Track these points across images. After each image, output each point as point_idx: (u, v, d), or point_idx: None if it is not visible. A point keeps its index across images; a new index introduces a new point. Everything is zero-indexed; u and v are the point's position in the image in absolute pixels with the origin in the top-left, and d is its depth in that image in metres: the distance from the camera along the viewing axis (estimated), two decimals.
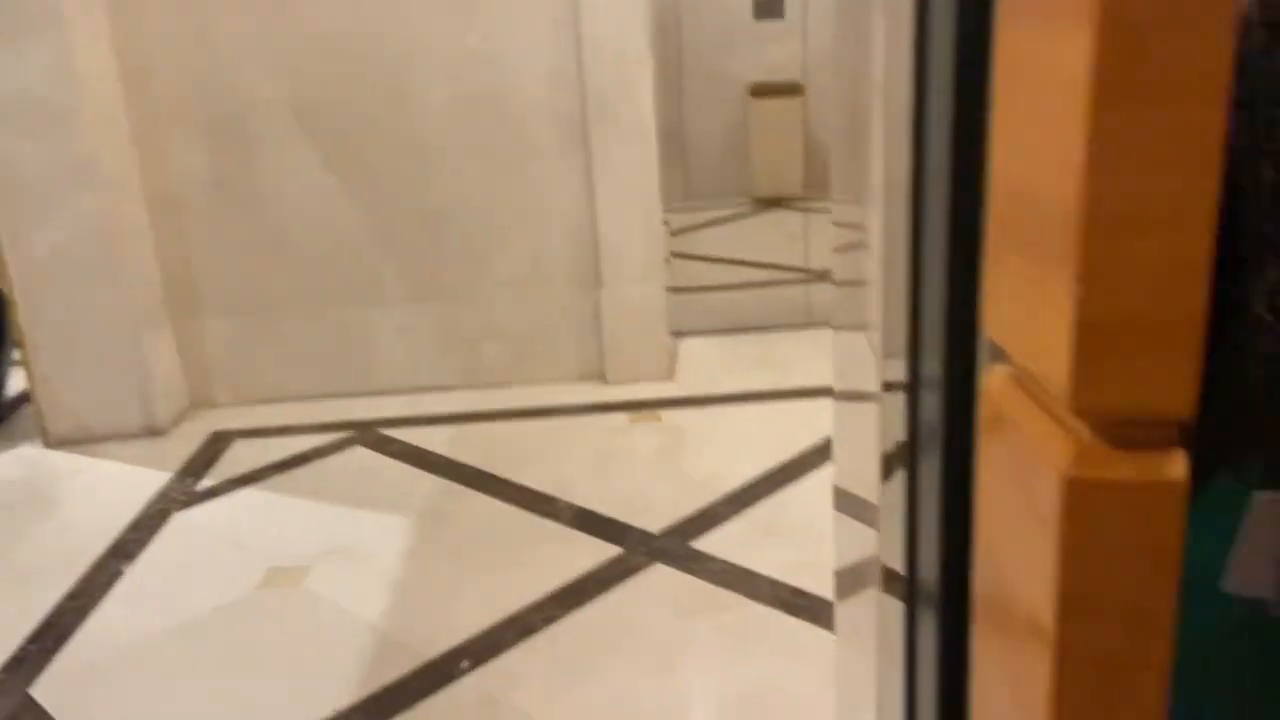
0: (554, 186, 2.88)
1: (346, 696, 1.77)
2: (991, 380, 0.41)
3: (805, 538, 2.19)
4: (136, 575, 2.20)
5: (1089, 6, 0.30)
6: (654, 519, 2.30)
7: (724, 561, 2.14)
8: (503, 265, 2.94)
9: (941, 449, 0.52)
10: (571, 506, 2.36)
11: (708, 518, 2.31)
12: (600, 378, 3.01)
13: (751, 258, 4.10)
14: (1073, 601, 0.36)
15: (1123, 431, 0.35)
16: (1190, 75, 0.30)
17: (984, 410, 0.42)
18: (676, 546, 2.20)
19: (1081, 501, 0.35)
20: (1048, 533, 0.36)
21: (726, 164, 4.92)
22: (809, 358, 3.11)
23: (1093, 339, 0.33)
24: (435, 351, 2.99)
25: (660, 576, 2.11)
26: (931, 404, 0.52)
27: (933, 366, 0.52)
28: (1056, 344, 0.34)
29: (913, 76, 0.51)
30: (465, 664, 1.86)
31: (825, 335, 1.04)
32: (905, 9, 0.51)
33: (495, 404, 2.89)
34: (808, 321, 3.42)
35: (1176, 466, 0.34)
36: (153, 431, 2.84)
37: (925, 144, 0.51)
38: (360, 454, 2.68)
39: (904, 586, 0.62)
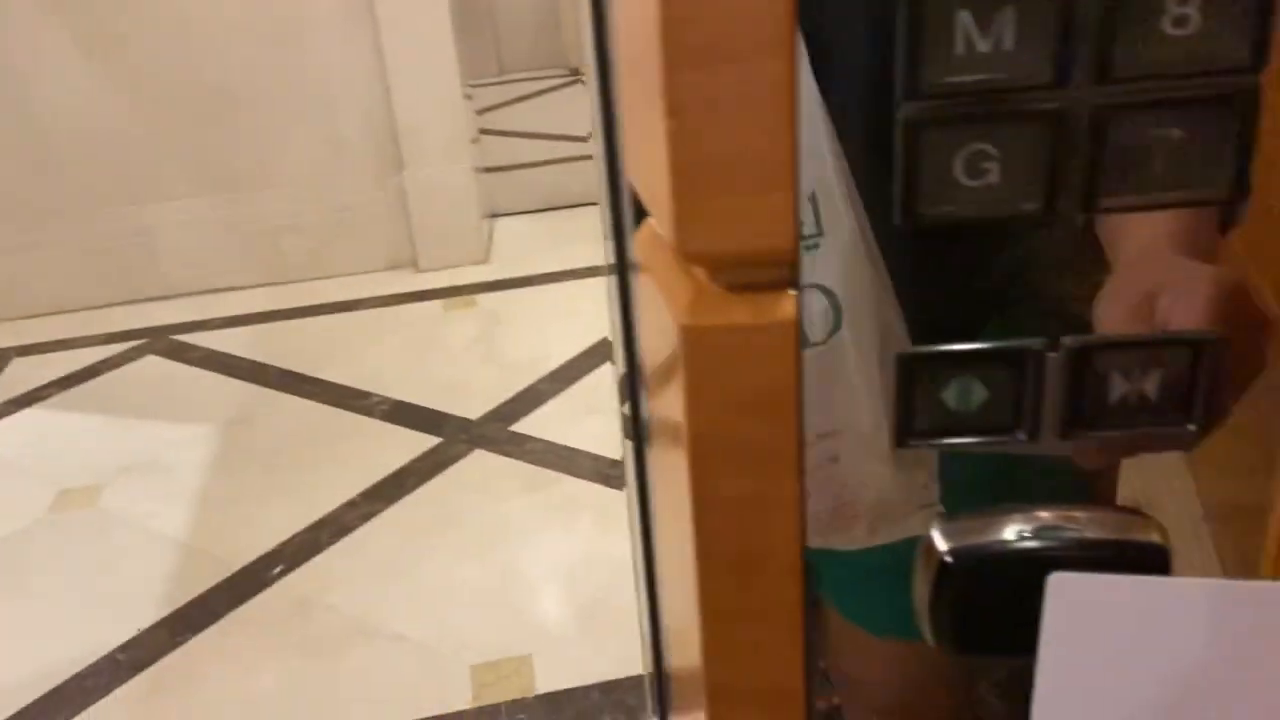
0: (341, 63, 2.68)
1: (149, 615, 1.70)
2: (640, 236, 0.38)
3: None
4: None
5: None
6: (473, 405, 2.26)
7: (545, 441, 2.13)
8: (295, 150, 2.75)
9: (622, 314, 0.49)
10: (386, 400, 2.30)
11: (528, 399, 2.29)
12: (412, 265, 2.90)
13: (569, 131, 4.00)
14: (702, 444, 0.34)
15: (734, 276, 0.32)
16: None
17: (641, 269, 0.39)
18: (497, 431, 2.18)
19: (698, 347, 0.32)
20: (679, 380, 0.33)
21: (539, 34, 4.73)
22: None
23: (687, 179, 0.30)
24: (228, 248, 2.80)
25: (480, 462, 2.09)
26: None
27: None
28: (662, 187, 0.31)
29: None
30: (278, 569, 1.80)
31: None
32: None
33: (299, 300, 2.75)
34: None
35: (787, 306, 0.32)
36: None
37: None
38: (153, 363, 2.52)
39: (628, 426, 0.60)
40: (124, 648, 1.63)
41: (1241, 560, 0.37)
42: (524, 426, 2.19)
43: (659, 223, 0.33)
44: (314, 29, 2.65)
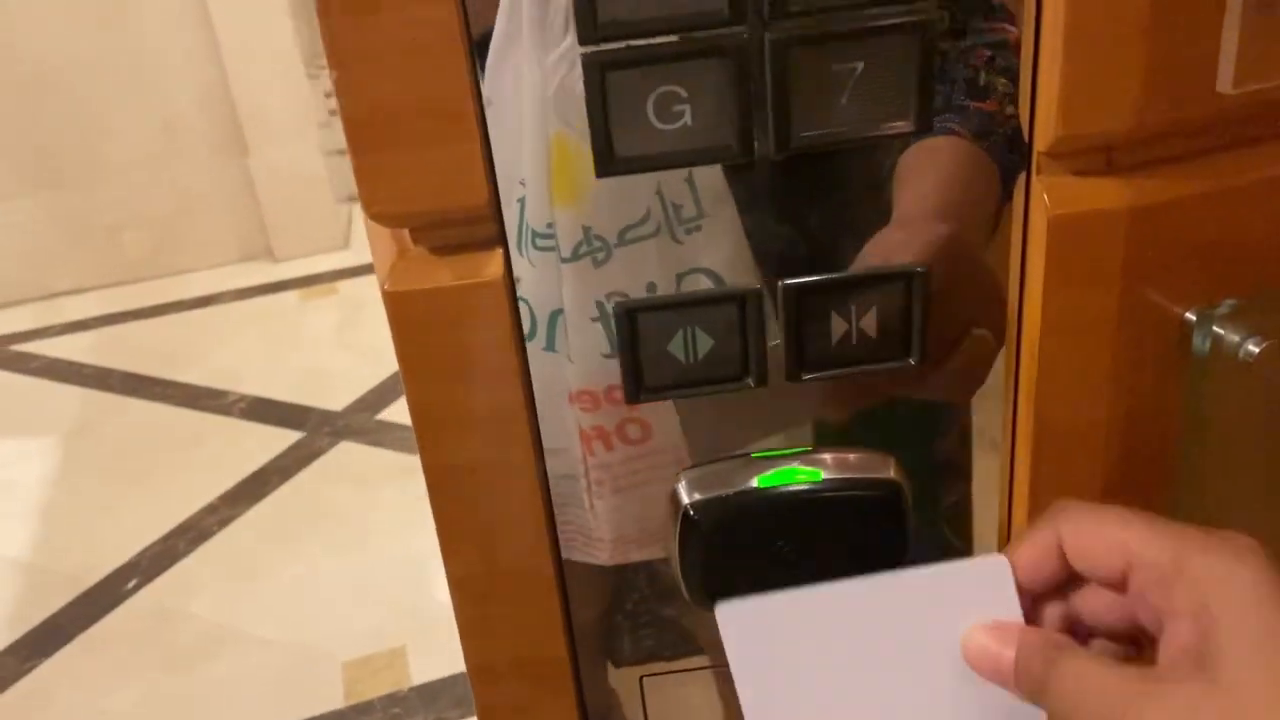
0: (170, 41, 2.54)
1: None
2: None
3: None
4: None
5: None
6: (336, 397, 2.20)
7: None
8: (126, 137, 2.60)
9: None
10: (244, 398, 2.21)
11: (394, 386, 2.23)
12: (267, 255, 2.79)
13: None
14: (424, 414, 0.32)
15: (435, 236, 0.31)
16: None
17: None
18: (363, 422, 2.12)
19: (405, 314, 0.31)
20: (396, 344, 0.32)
21: None
22: None
23: (363, 133, 0.28)
24: (62, 248, 2.64)
25: (346, 454, 2.03)
26: None
27: None
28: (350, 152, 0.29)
29: None
30: (133, 582, 1.72)
31: None
32: None
33: (145, 300, 2.62)
34: None
35: (493, 265, 0.30)
36: None
37: None
38: None
39: None
40: None
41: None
42: (391, 414, 2.14)
43: (361, 196, 0.31)
44: (139, 6, 2.50)
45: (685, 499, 0.35)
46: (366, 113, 0.28)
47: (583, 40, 0.29)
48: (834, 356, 0.34)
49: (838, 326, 0.33)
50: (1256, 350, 0.31)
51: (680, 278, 0.34)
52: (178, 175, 2.67)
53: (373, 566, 1.72)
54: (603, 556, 0.44)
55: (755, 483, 0.35)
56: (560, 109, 0.31)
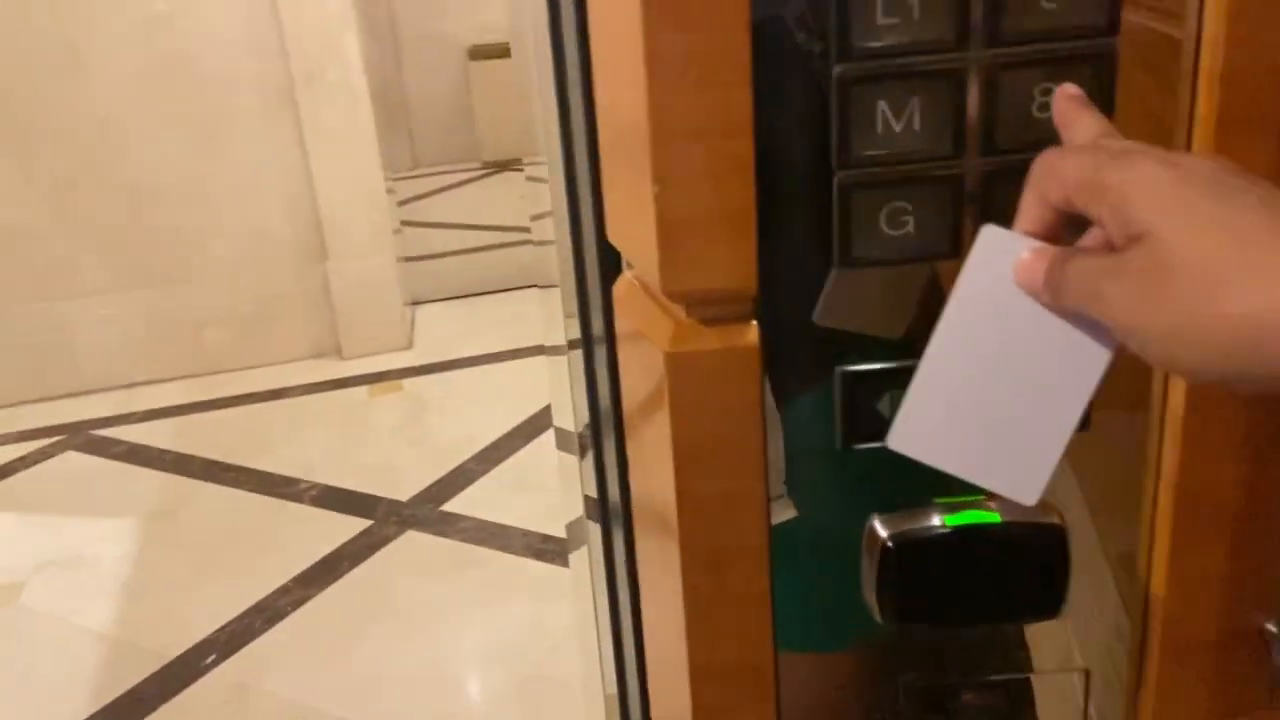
0: (265, 158, 2.73)
1: (81, 710, 1.65)
2: (619, 288, 0.46)
3: (555, 486, 2.25)
4: None
5: None
6: (403, 488, 2.28)
7: (476, 519, 2.15)
8: (218, 243, 2.77)
9: (610, 383, 0.55)
10: (315, 486, 2.29)
11: (457, 480, 2.31)
12: (336, 353, 2.92)
13: (483, 221, 4.09)
14: (684, 450, 0.41)
15: (708, 311, 0.40)
16: (720, 6, 0.34)
17: (619, 316, 0.46)
18: (427, 512, 2.20)
19: (680, 371, 0.40)
20: (663, 402, 0.41)
21: (452, 129, 4.84)
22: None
23: (671, 232, 0.38)
24: (149, 341, 2.78)
25: (412, 543, 2.10)
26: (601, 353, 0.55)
27: (598, 314, 0.55)
28: (649, 241, 0.39)
29: (551, 40, 0.54)
30: (211, 658, 1.78)
31: (552, 293, 1.08)
32: None
33: (222, 391, 2.74)
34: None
35: (749, 335, 0.39)
36: None
37: (566, 97, 0.54)
38: (72, 459, 2.47)
39: (597, 509, 0.66)
40: None
41: (1126, 552, 0.45)
42: (454, 506, 2.21)
43: (645, 271, 0.40)
44: (237, 125, 2.70)
45: (883, 533, 0.43)
46: (678, 218, 0.38)
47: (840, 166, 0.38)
48: None
49: None
50: None
51: None
52: (261, 278, 2.83)
53: (440, 652, 1.77)
54: None
55: (939, 523, 0.43)
56: None
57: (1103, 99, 0.38)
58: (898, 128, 0.38)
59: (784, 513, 0.43)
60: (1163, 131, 0.39)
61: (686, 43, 0.35)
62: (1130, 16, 0.38)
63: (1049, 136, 0.38)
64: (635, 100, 0.38)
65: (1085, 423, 0.37)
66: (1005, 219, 0.39)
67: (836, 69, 0.37)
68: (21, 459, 2.47)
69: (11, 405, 2.70)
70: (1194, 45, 0.37)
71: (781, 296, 0.41)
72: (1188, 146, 0.39)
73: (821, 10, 0.38)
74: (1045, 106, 0.38)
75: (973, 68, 0.38)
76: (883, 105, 0.38)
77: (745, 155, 0.38)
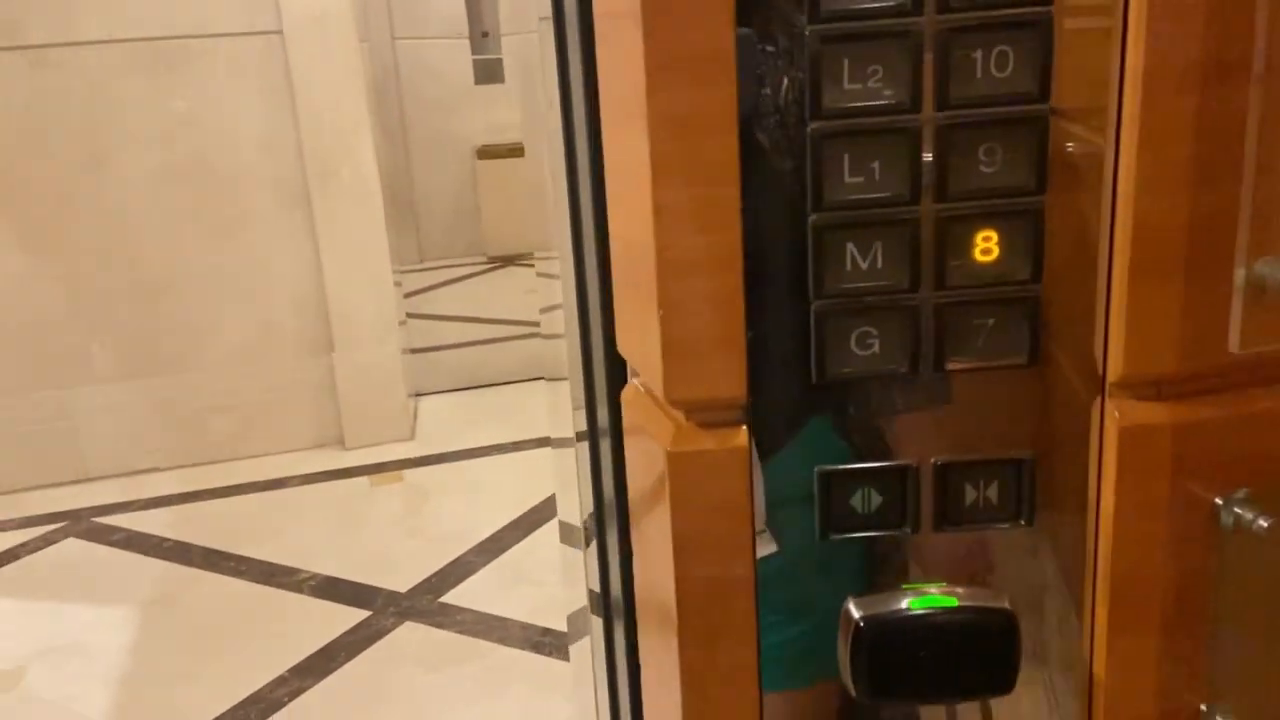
0: (277, 252, 2.83)
1: None
2: (626, 394, 0.52)
3: (554, 579, 2.28)
4: None
5: (646, 114, 0.42)
6: (402, 578, 2.31)
7: (474, 611, 2.17)
8: (226, 334, 2.85)
9: (614, 478, 0.61)
10: (314, 576, 2.32)
11: (456, 571, 2.34)
12: (339, 443, 2.97)
13: (486, 314, 4.18)
14: (683, 539, 0.47)
15: (704, 416, 0.46)
16: (714, 164, 0.42)
17: (625, 418, 0.53)
18: (426, 603, 2.22)
19: (680, 468, 0.46)
20: (664, 495, 0.47)
21: (458, 225, 4.99)
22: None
23: (673, 350, 0.45)
24: (153, 429, 2.84)
25: (411, 634, 2.12)
26: (606, 446, 0.61)
27: (604, 407, 0.62)
28: (654, 356, 0.45)
29: (564, 151, 0.62)
30: None
31: (561, 386, 1.15)
32: (554, 99, 0.62)
33: (224, 479, 2.78)
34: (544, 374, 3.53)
35: (740, 438, 0.46)
36: None
37: (579, 208, 0.62)
38: (73, 546, 2.50)
39: (600, 600, 0.72)
40: None
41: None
42: (453, 598, 2.24)
43: (651, 381, 0.47)
44: (252, 221, 2.81)
45: (856, 614, 0.49)
46: (680, 338, 0.44)
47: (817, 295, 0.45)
48: (966, 516, 0.48)
49: (970, 493, 0.48)
50: (1266, 525, 0.45)
51: None
52: (268, 369, 2.90)
53: None
54: None
55: (907, 606, 0.49)
56: None
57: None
58: (864, 265, 0.45)
59: (766, 547, 0.49)
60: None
61: (688, 196, 0.42)
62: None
63: (989, 274, 0.45)
64: (644, 239, 0.45)
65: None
66: (958, 342, 0.46)
67: (811, 218, 0.44)
68: (24, 545, 2.49)
69: (15, 491, 2.74)
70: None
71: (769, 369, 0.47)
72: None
73: (801, 168, 0.45)
74: (987, 251, 0.45)
75: (926, 217, 0.45)
76: (850, 246, 0.45)
77: (736, 286, 0.44)
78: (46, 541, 2.51)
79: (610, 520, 0.64)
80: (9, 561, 2.42)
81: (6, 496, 2.71)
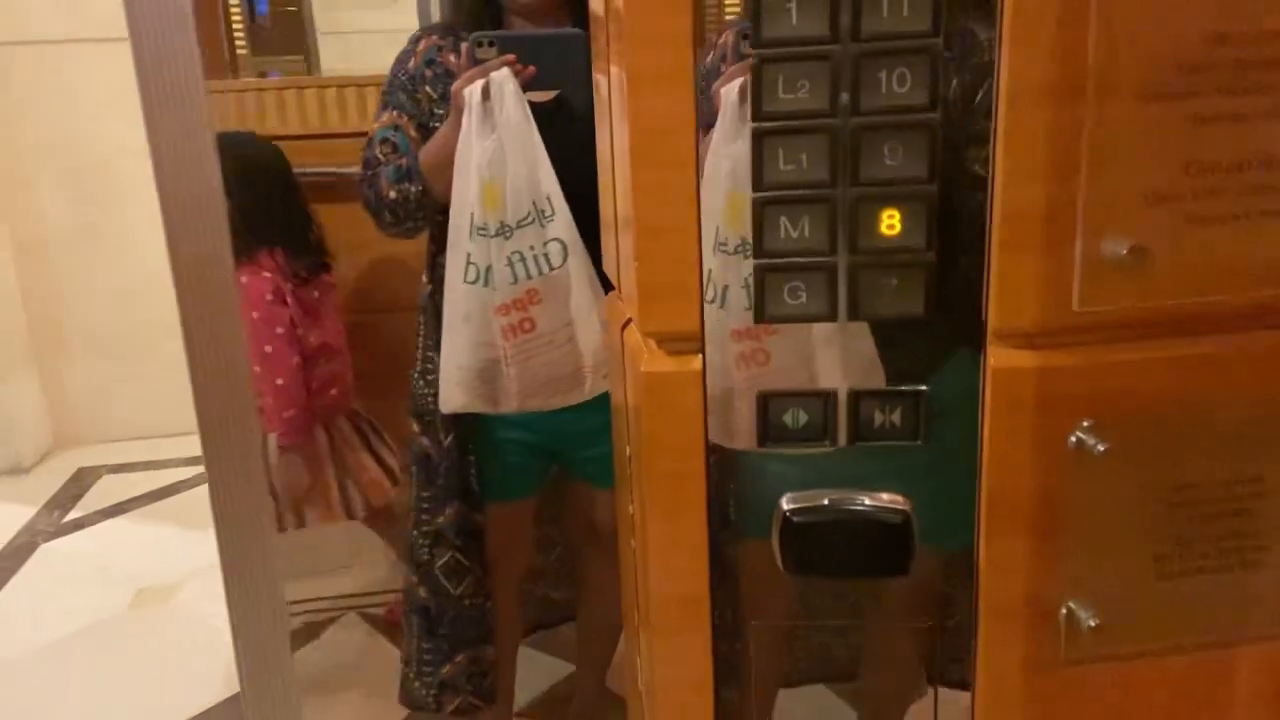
0: None
1: (216, 695, 1.92)
2: (613, 313, 0.68)
3: None
4: (3, 602, 2.28)
5: (629, 117, 0.57)
6: None
7: None
8: None
9: None
10: None
11: None
12: None
13: None
14: (650, 443, 0.62)
15: (669, 345, 0.62)
16: (677, 154, 0.57)
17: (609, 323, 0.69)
18: None
19: (649, 386, 0.61)
20: (640, 406, 0.62)
21: None
22: None
23: (647, 294, 0.60)
24: None
25: None
26: None
27: None
28: (634, 297, 0.61)
29: None
30: None
31: None
32: None
33: None
34: None
35: (695, 363, 0.61)
36: (17, 470, 2.90)
37: None
38: None
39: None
40: None
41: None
42: None
43: (635, 316, 0.62)
44: None
45: (787, 508, 0.63)
46: (650, 284, 0.59)
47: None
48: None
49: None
50: (1103, 449, 0.57)
51: None
52: None
53: None
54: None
55: (828, 503, 0.63)
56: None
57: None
58: (794, 234, 0.59)
59: None
60: None
61: (661, 177, 0.58)
62: None
63: (893, 244, 0.59)
64: (627, 209, 0.60)
65: None
66: (868, 296, 0.60)
67: (753, 196, 0.59)
68: (183, 481, 2.83)
69: (181, 434, 3.09)
70: None
71: None
72: None
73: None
74: (891, 226, 0.58)
75: (842, 198, 0.58)
76: (783, 219, 0.59)
77: (694, 245, 0.60)
78: (202, 480, 2.84)
79: None
80: (169, 495, 2.76)
81: (171, 439, 3.06)
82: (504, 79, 1.33)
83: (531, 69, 1.35)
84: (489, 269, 1.35)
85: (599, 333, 1.35)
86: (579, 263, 1.35)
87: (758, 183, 0.59)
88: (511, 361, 1.36)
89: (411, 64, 1.53)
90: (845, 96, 0.58)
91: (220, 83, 2.43)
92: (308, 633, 2.32)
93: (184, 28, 0.81)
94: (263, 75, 3.49)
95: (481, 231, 1.35)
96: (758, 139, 0.59)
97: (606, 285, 1.28)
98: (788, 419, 0.62)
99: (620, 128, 0.60)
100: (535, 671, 2.15)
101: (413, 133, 1.49)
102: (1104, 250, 0.55)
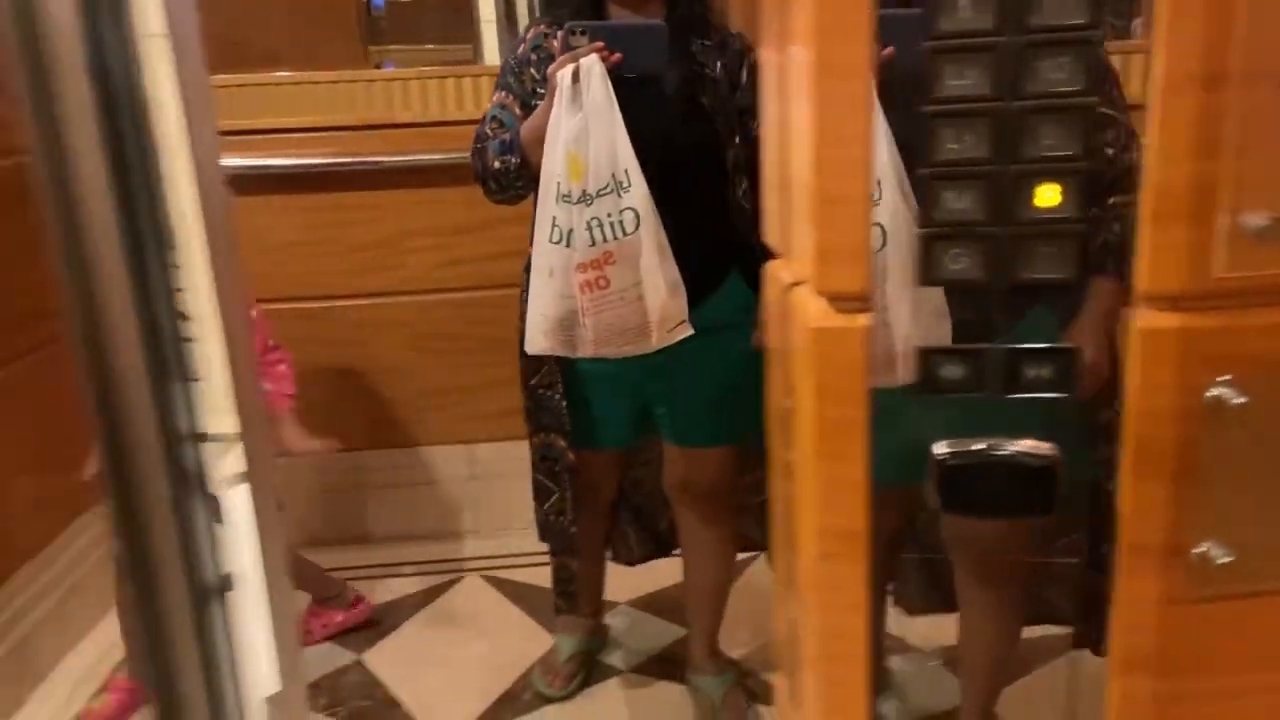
0: None
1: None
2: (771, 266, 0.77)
3: None
4: None
5: (814, 99, 0.65)
6: None
7: None
8: None
9: None
10: None
11: None
12: None
13: None
14: (820, 392, 0.70)
15: (840, 304, 0.70)
16: (853, 133, 0.65)
17: (769, 299, 0.77)
18: None
19: (822, 340, 0.70)
20: (809, 359, 0.71)
21: None
22: None
23: (823, 258, 0.68)
24: None
25: None
26: None
27: None
28: (810, 260, 0.69)
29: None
30: None
31: None
32: None
33: None
34: None
35: (863, 320, 0.69)
36: None
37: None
38: None
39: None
40: None
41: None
42: None
43: (809, 279, 0.70)
44: None
45: (941, 453, 0.71)
46: (826, 248, 0.68)
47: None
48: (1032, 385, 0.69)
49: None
50: (1240, 402, 0.63)
51: None
52: None
53: None
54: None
55: (984, 447, 0.70)
56: None
57: None
58: (959, 206, 0.67)
59: None
60: None
61: (841, 153, 0.66)
62: None
63: (1050, 215, 0.66)
64: (808, 181, 0.69)
65: None
66: (1024, 262, 0.67)
67: (921, 172, 0.67)
68: None
69: None
70: None
71: None
72: None
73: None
74: (1049, 198, 0.65)
75: (1005, 174, 0.66)
76: (949, 193, 0.66)
77: (867, 214, 0.68)
78: None
79: None
80: None
81: None
82: (592, 64, 1.51)
83: (618, 55, 1.52)
84: (571, 231, 1.54)
85: (664, 292, 1.55)
86: (650, 230, 1.53)
87: (927, 160, 0.67)
88: (587, 313, 1.55)
89: (520, 50, 1.73)
90: (1009, 83, 0.65)
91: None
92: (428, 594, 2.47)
93: None
94: (378, 66, 3.66)
95: (565, 198, 1.53)
96: (930, 121, 0.66)
97: (683, 253, 1.43)
98: (947, 372, 0.70)
99: (801, 109, 0.69)
100: (648, 635, 2.26)
101: (518, 111, 1.67)
102: (1244, 223, 0.62)
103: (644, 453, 2.04)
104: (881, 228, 1.29)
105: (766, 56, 0.80)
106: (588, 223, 1.52)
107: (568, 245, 1.54)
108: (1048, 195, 0.66)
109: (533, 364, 1.79)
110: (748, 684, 2.04)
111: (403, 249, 2.63)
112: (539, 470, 1.87)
